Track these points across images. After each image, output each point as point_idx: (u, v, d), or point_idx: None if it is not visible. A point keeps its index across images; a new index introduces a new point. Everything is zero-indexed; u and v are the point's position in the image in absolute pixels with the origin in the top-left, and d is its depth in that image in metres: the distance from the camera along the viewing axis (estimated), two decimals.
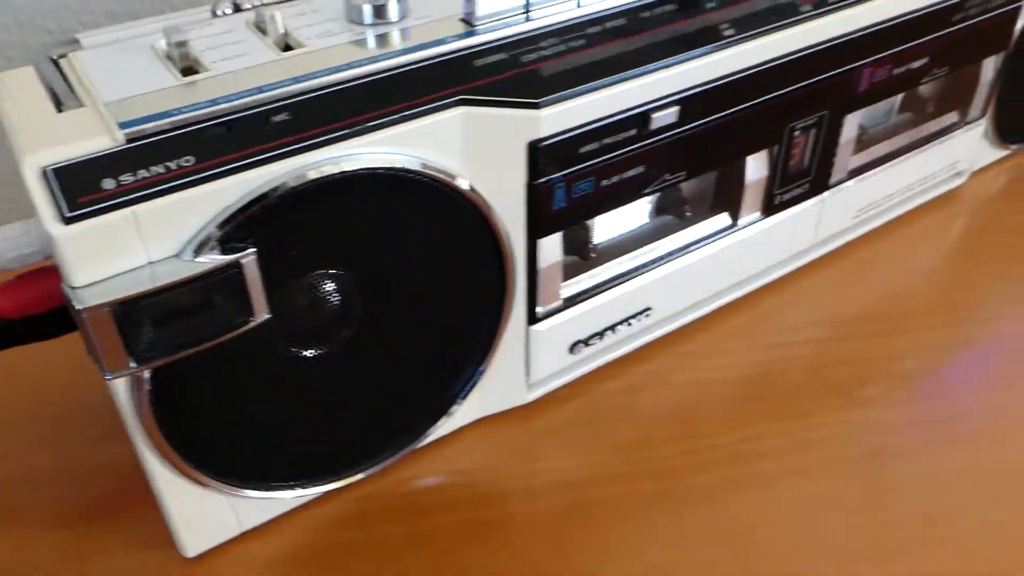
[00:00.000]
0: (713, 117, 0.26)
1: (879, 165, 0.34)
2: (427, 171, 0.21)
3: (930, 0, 0.29)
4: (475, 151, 0.22)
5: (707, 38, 0.25)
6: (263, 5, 0.24)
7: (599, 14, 0.24)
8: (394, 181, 0.21)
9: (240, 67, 0.21)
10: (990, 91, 0.35)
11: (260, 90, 0.20)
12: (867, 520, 0.25)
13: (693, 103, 0.25)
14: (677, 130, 0.25)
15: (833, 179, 0.32)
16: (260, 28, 0.23)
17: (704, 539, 0.25)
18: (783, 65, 0.26)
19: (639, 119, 0.24)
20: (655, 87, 0.24)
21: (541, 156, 0.23)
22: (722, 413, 0.29)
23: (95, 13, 0.56)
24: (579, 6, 0.24)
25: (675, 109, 0.25)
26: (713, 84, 0.25)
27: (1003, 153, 0.40)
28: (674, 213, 0.29)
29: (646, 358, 0.31)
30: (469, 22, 0.23)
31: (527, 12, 0.24)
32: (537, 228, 0.24)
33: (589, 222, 0.28)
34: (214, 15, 0.24)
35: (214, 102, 0.20)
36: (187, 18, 0.24)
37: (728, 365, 0.31)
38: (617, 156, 0.24)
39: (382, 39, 0.23)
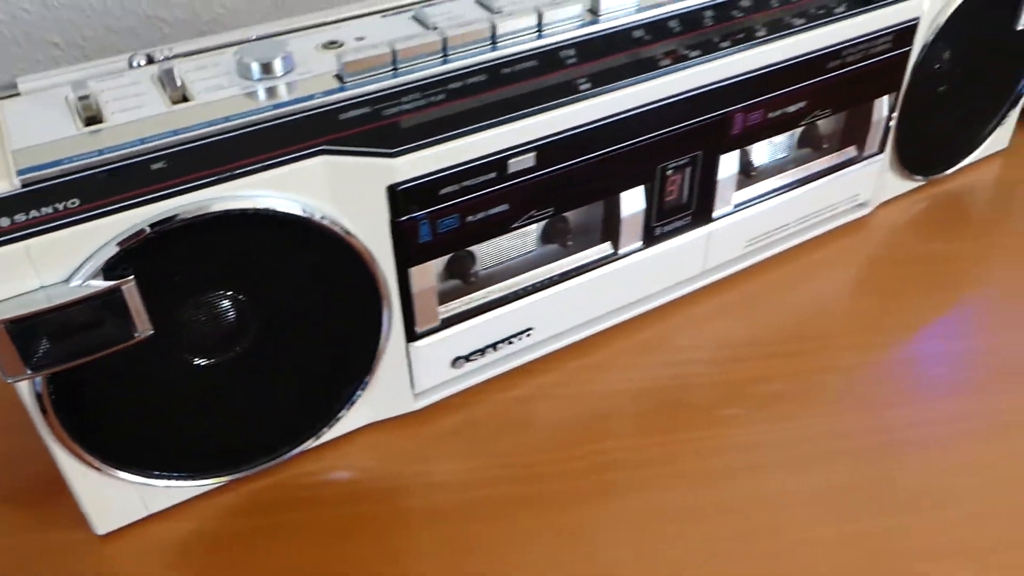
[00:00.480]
0: (573, 161, 0.29)
1: (772, 198, 0.36)
2: (291, 212, 0.25)
3: (794, 53, 0.32)
4: (341, 193, 0.26)
5: (561, 92, 0.28)
6: (174, 57, 0.28)
7: (462, 70, 0.27)
8: (264, 219, 0.25)
9: (134, 118, 0.25)
10: (886, 128, 0.37)
11: (143, 141, 0.24)
12: (703, 532, 0.28)
13: (550, 150, 0.28)
14: (537, 173, 0.28)
15: (717, 212, 0.34)
16: (161, 81, 0.26)
17: (550, 541, 0.28)
18: (643, 113, 0.29)
19: (497, 164, 0.27)
20: (508, 137, 0.27)
21: (400, 198, 0.26)
22: (598, 425, 0.32)
23: (96, 28, 0.61)
24: (444, 63, 0.27)
25: (531, 155, 0.28)
26: (570, 132, 0.28)
27: (913, 184, 0.42)
28: (559, 242, 0.32)
29: (541, 371, 0.34)
30: (341, 77, 0.26)
31: (395, 68, 0.27)
32: (405, 259, 0.28)
33: (473, 249, 0.31)
34: (130, 66, 0.28)
35: (101, 152, 0.23)
36: (109, 66, 0.28)
37: (614, 381, 0.33)
38: (480, 196, 0.28)
39: (265, 93, 0.26)
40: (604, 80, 0.28)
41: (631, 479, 0.30)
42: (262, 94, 0.26)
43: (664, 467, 0.30)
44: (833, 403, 0.32)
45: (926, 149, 0.41)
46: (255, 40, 0.28)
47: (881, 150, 0.38)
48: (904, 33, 0.34)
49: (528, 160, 0.28)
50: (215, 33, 0.30)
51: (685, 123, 0.31)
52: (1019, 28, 0.39)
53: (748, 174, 0.36)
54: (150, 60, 0.28)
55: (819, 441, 0.31)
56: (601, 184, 0.30)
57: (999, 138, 0.44)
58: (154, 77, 0.27)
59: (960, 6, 0.36)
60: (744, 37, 0.30)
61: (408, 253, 0.27)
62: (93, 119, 0.25)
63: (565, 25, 0.29)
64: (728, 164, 0.33)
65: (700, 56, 0.30)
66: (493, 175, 0.27)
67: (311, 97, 0.26)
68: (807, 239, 0.39)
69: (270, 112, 0.25)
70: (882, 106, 0.37)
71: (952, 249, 0.39)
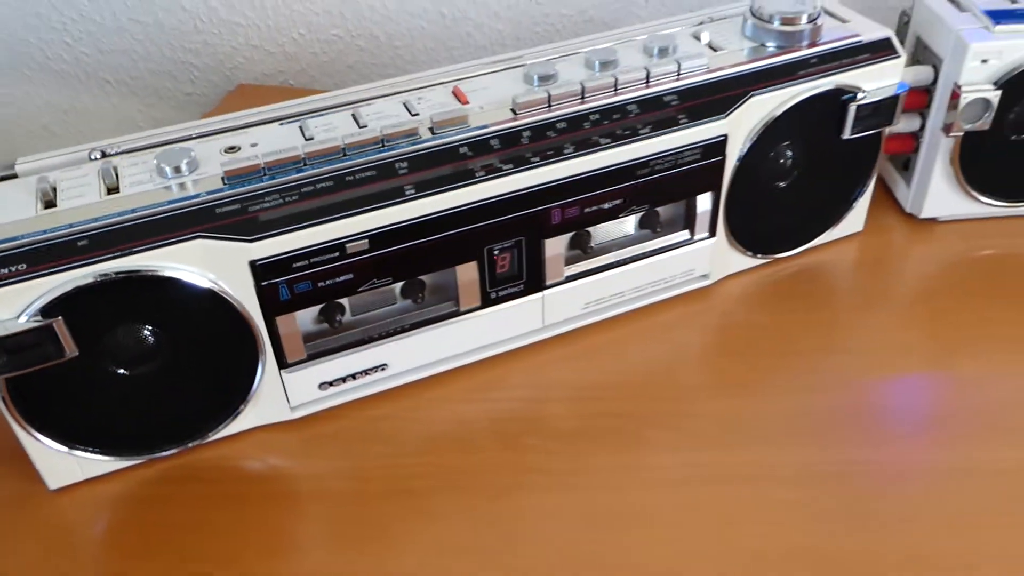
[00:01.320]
0: (403, 245, 0.38)
1: (607, 271, 0.44)
2: (169, 280, 0.35)
3: (598, 165, 0.40)
4: (217, 265, 0.36)
5: (390, 195, 0.37)
6: (120, 153, 0.38)
7: (315, 177, 0.37)
8: (157, 281, 0.35)
9: (76, 205, 0.35)
10: (712, 217, 0.45)
11: (71, 225, 0.34)
12: (551, 529, 0.37)
13: (382, 237, 0.37)
14: (372, 254, 0.38)
15: (549, 281, 0.43)
16: (101, 175, 0.37)
17: (412, 520, 0.37)
18: (464, 210, 0.38)
19: (337, 247, 0.37)
20: (345, 228, 0.36)
21: (259, 270, 0.36)
22: (429, 445, 0.41)
23: (140, 70, 0.73)
24: (302, 171, 0.37)
25: (365, 241, 0.37)
26: (398, 224, 0.37)
27: (758, 261, 0.49)
28: (412, 298, 0.42)
29: (400, 397, 0.43)
30: (224, 180, 0.36)
31: (263, 174, 0.37)
32: (270, 312, 0.38)
33: (341, 301, 0.40)
34: (89, 158, 0.38)
35: (45, 232, 0.34)
36: (73, 156, 0.38)
37: (459, 410, 0.43)
38: (326, 269, 0.37)
39: (175, 187, 0.36)
40: (426, 187, 0.37)
41: (484, 483, 0.39)
42: (174, 188, 0.36)
43: (464, 479, 0.39)
44: (619, 443, 0.40)
45: (765, 234, 0.48)
46: (171, 144, 0.38)
47: (712, 234, 0.46)
48: (713, 146, 0.42)
49: (363, 244, 0.37)
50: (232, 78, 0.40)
51: (504, 216, 0.39)
52: (845, 137, 0.45)
53: (585, 251, 0.44)
54: (103, 154, 0.39)
55: (604, 472, 0.39)
56: (432, 261, 0.39)
57: (853, 222, 0.51)
58: (98, 171, 0.37)
59: (772, 121, 0.43)
60: (553, 153, 0.39)
61: (271, 308, 0.37)
62: (50, 203, 0.36)
63: (403, 142, 0.38)
64: (555, 245, 0.42)
65: (511, 168, 0.38)
66: (336, 254, 0.37)
67: (199, 195, 0.36)
68: (653, 302, 0.47)
69: (170, 205, 0.36)
70: (705, 200, 0.44)
71: (776, 320, 0.46)
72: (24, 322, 0.34)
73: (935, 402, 0.42)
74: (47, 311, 0.34)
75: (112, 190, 0.36)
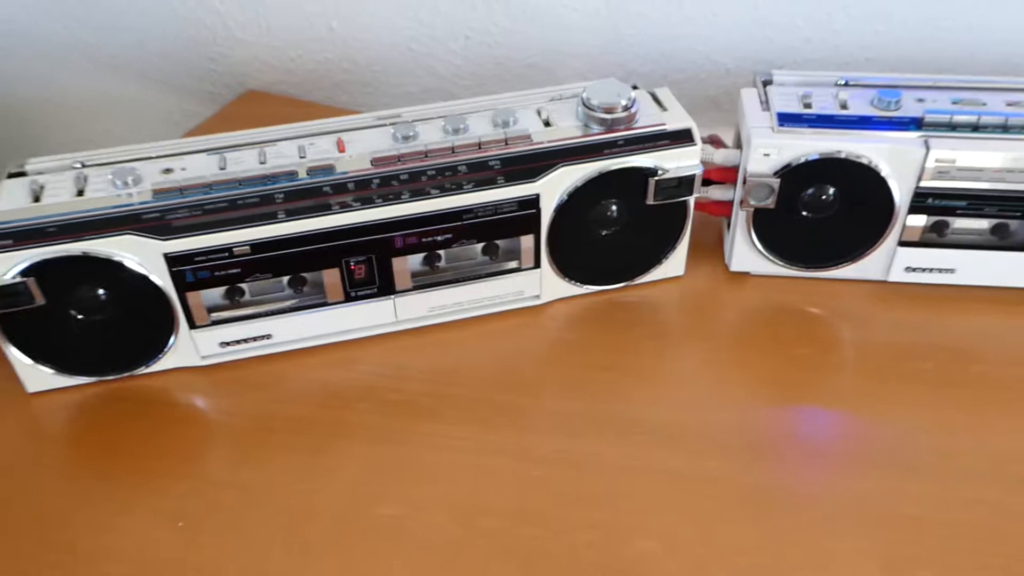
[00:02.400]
0: (276, 253, 0.53)
1: (447, 285, 0.58)
2: (110, 260, 0.51)
3: (428, 210, 0.53)
4: (143, 253, 0.51)
5: (267, 217, 0.52)
6: (93, 165, 0.54)
7: (216, 199, 0.52)
8: (103, 260, 0.51)
9: (52, 202, 0.52)
10: (536, 253, 0.58)
11: (47, 217, 0.50)
12: (310, 477, 0.52)
13: (260, 246, 0.52)
14: (253, 256, 0.53)
15: (399, 288, 0.57)
16: (75, 181, 0.53)
17: (298, 452, 0.53)
18: (326, 231, 0.53)
19: (226, 250, 0.52)
20: (232, 237, 0.51)
21: (170, 260, 0.51)
22: (295, 396, 0.56)
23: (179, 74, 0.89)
24: (208, 193, 0.52)
25: (247, 247, 0.52)
26: (272, 239, 0.52)
27: (584, 290, 0.62)
28: (295, 288, 0.57)
29: (282, 359, 0.58)
30: (153, 193, 0.52)
31: (181, 191, 0.52)
32: (181, 289, 0.53)
33: (241, 285, 0.55)
34: (71, 167, 0.54)
35: (27, 220, 0.50)
36: (63, 163, 0.55)
37: (316, 374, 0.57)
38: (218, 263, 0.52)
39: (121, 196, 0.52)
40: (294, 213, 0.52)
41: (322, 430, 0.54)
42: (122, 196, 0.52)
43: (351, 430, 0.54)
44: (427, 415, 0.54)
45: (591, 269, 0.60)
46: (127, 162, 0.54)
47: (537, 266, 0.59)
48: (528, 201, 0.55)
49: (246, 249, 0.52)
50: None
51: (354, 239, 0.54)
52: (649, 203, 0.58)
53: (432, 267, 0.58)
54: (83, 165, 0.55)
55: (408, 434, 0.53)
56: (300, 265, 0.54)
57: (674, 267, 0.63)
58: (74, 178, 0.53)
59: (580, 187, 0.55)
60: (393, 197, 0.53)
61: (181, 287, 0.53)
62: (37, 198, 0.52)
63: (284, 179, 0.53)
64: (402, 262, 0.56)
65: (359, 206, 0.52)
66: (225, 254, 0.52)
67: (135, 204, 0.51)
68: (491, 312, 0.61)
69: (113, 208, 0.51)
70: (528, 239, 0.57)
71: (583, 337, 0.59)
72: (8, 279, 0.50)
73: (662, 411, 0.54)
74: (25, 273, 0.50)
75: (80, 193, 0.52)
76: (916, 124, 0.56)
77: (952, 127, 0.55)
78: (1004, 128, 0.55)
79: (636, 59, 0.80)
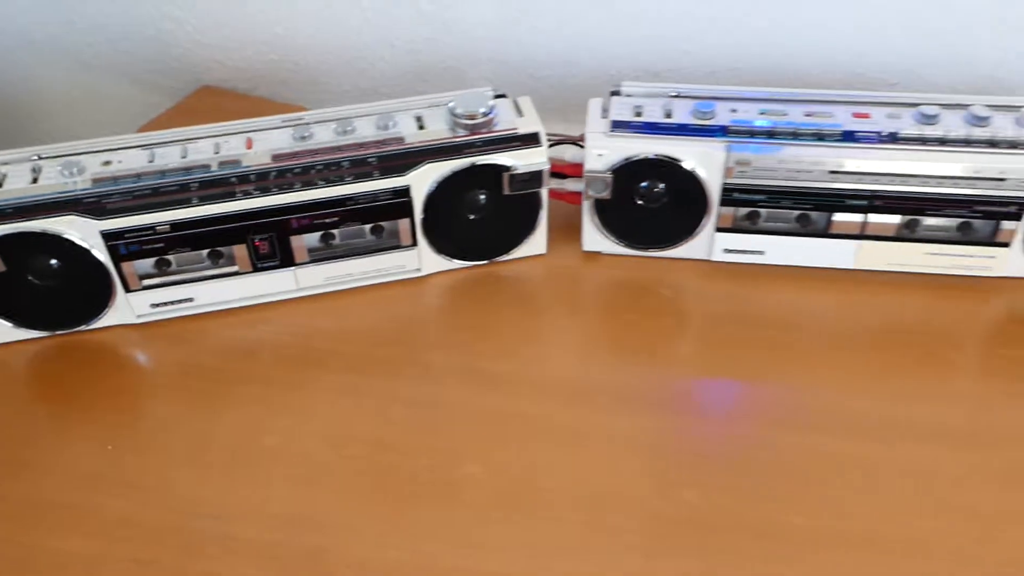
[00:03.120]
0: (192, 231, 0.65)
1: (339, 259, 0.70)
2: (58, 236, 0.63)
3: (314, 198, 0.66)
4: (84, 230, 0.64)
5: (183, 203, 0.64)
6: (48, 158, 0.67)
7: (143, 188, 0.64)
8: (53, 236, 0.63)
9: (12, 188, 0.64)
10: (412, 234, 0.70)
11: (6, 200, 0.63)
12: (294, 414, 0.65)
13: (178, 225, 0.65)
14: (173, 234, 0.65)
15: (298, 261, 0.69)
16: (32, 171, 0.65)
17: (223, 400, 0.66)
18: (232, 213, 0.65)
19: (150, 228, 0.64)
20: (155, 218, 0.64)
21: (106, 236, 0.64)
22: (215, 349, 0.69)
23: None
24: (137, 183, 0.64)
25: (168, 226, 0.64)
26: (188, 219, 0.64)
27: (459, 264, 0.74)
28: (213, 260, 0.69)
29: (205, 319, 0.71)
30: (95, 181, 0.64)
31: (114, 181, 0.64)
32: (116, 260, 0.66)
33: (168, 257, 0.68)
34: (30, 158, 0.67)
35: None
36: (24, 155, 0.67)
37: (231, 332, 0.70)
38: (147, 239, 0.65)
39: (67, 183, 0.64)
40: (206, 199, 0.64)
41: (231, 376, 0.66)
42: (68, 184, 0.64)
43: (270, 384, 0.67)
44: (311, 365, 0.67)
45: (463, 247, 0.73)
46: (75, 155, 0.66)
47: (414, 244, 0.71)
48: (400, 191, 0.67)
49: (166, 228, 0.65)
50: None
51: (256, 221, 0.66)
52: (506, 194, 0.70)
53: (327, 244, 0.70)
54: (39, 157, 0.67)
55: (291, 380, 0.66)
56: (213, 242, 0.67)
57: (536, 246, 0.75)
58: (31, 168, 0.66)
59: (443, 180, 0.67)
60: (287, 187, 0.65)
61: (115, 258, 0.65)
62: (0, 184, 0.65)
63: (199, 171, 0.65)
64: (299, 239, 0.68)
65: (259, 194, 0.65)
66: (151, 232, 0.65)
67: (77, 190, 0.64)
68: (380, 282, 0.73)
69: (60, 193, 0.64)
70: (405, 223, 0.69)
71: (453, 304, 0.72)
72: None
73: (509, 364, 0.66)
74: None
75: (34, 180, 0.65)
76: (723, 131, 0.67)
77: (751, 134, 0.67)
78: (795, 135, 0.66)
79: (536, 65, 0.91)
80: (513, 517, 0.56)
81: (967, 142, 0.65)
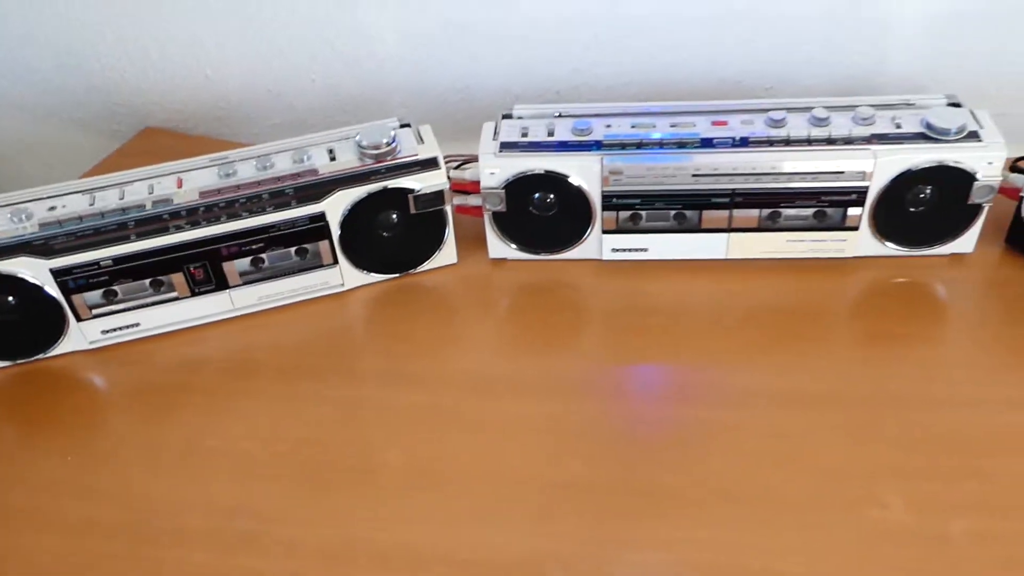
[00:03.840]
0: (133, 264, 0.73)
1: (270, 279, 0.79)
2: (13, 275, 0.71)
3: (243, 228, 0.74)
4: (35, 269, 0.72)
5: (122, 239, 0.72)
6: (5, 205, 0.75)
7: (86, 228, 0.72)
8: (9, 276, 0.71)
9: None
10: (332, 254, 0.79)
11: None
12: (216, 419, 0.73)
13: (120, 259, 0.73)
14: (116, 267, 0.73)
15: (231, 284, 0.78)
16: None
17: (159, 413, 0.74)
18: (164, 247, 0.73)
19: (95, 263, 0.73)
20: (98, 255, 0.72)
21: (55, 273, 0.72)
22: (165, 366, 0.77)
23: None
24: (80, 224, 0.73)
25: (110, 260, 0.73)
26: (128, 253, 0.73)
27: (378, 278, 0.83)
28: (155, 288, 0.77)
29: (152, 341, 0.79)
30: (39, 225, 0.73)
31: (59, 225, 0.72)
32: (66, 293, 0.74)
33: (114, 287, 0.76)
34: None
35: None
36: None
37: (175, 350, 0.78)
38: (90, 274, 0.73)
39: (18, 229, 0.72)
40: (142, 235, 0.73)
41: (173, 385, 0.75)
42: (18, 229, 0.72)
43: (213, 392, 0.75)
44: (243, 376, 0.75)
45: (380, 262, 0.81)
46: (23, 203, 0.74)
47: (336, 262, 0.80)
48: (317, 216, 0.76)
49: (109, 262, 0.73)
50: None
51: (189, 251, 0.74)
52: (412, 213, 0.78)
53: (257, 267, 0.78)
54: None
55: (222, 386, 0.74)
56: (153, 272, 0.75)
57: (447, 256, 0.83)
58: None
59: (356, 203, 0.76)
60: (215, 220, 0.74)
61: (65, 291, 0.74)
62: None
63: (134, 210, 0.73)
64: (231, 265, 0.76)
65: (190, 227, 0.73)
66: (95, 267, 0.73)
67: (26, 235, 0.72)
68: (308, 298, 0.81)
69: (11, 238, 0.72)
70: (325, 244, 0.78)
71: (377, 312, 0.80)
72: None
73: (422, 363, 0.75)
74: None
75: None
76: (598, 146, 0.76)
77: (623, 146, 0.76)
78: (660, 145, 0.76)
79: (445, 92, 1.00)
80: (425, 494, 0.65)
81: (809, 141, 0.75)
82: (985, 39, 0.89)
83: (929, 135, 0.74)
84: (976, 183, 0.74)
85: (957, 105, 0.78)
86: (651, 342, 0.76)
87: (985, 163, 0.73)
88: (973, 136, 0.74)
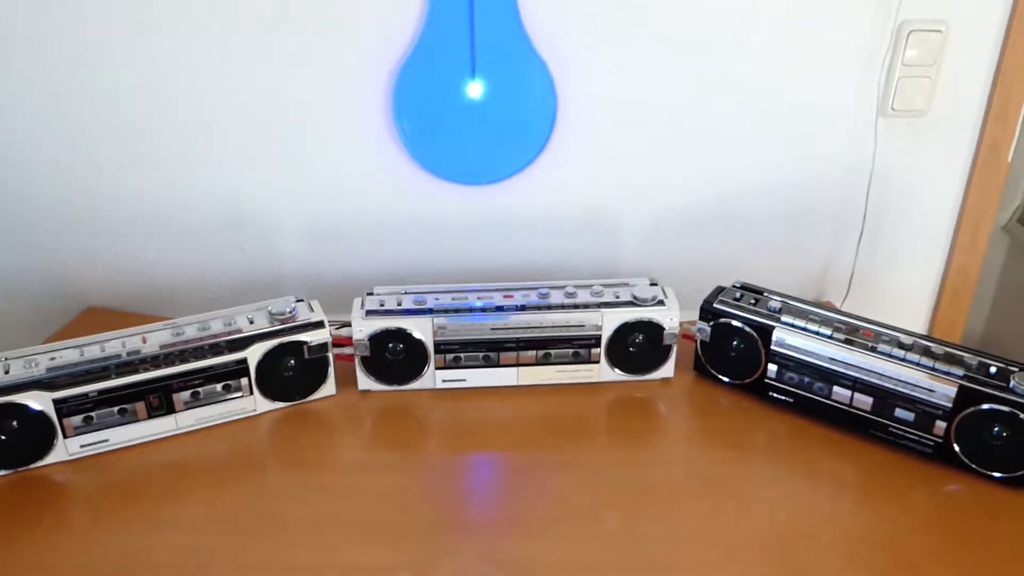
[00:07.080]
0: (110, 396, 1.07)
1: (204, 405, 1.13)
2: (24, 405, 1.03)
3: (187, 369, 1.09)
4: (39, 400, 1.04)
5: (103, 378, 1.06)
6: (18, 357, 1.07)
7: (76, 375, 1.06)
8: (15, 404, 1.03)
9: None
10: (250, 388, 1.15)
11: None
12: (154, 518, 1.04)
13: (102, 394, 1.06)
14: (99, 398, 1.06)
15: (177, 410, 1.12)
16: (3, 365, 1.05)
17: (136, 520, 1.05)
18: (130, 383, 1.07)
19: (83, 396, 1.05)
20: (84, 390, 1.05)
21: (55, 402, 1.04)
22: (138, 474, 1.08)
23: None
24: (75, 370, 1.06)
25: (96, 393, 1.06)
26: (108, 391, 1.06)
27: (284, 405, 1.18)
28: (121, 413, 1.10)
29: (136, 450, 1.11)
30: (46, 370, 1.05)
31: (60, 368, 1.06)
32: (60, 416, 1.06)
33: (92, 414, 1.08)
34: (5, 359, 1.07)
35: None
36: None
37: (150, 456, 1.10)
38: (81, 405, 1.06)
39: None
40: (120, 374, 1.07)
41: (164, 486, 1.06)
42: (29, 372, 1.05)
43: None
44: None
45: (285, 393, 1.18)
46: (31, 355, 1.07)
47: (252, 393, 1.15)
48: (239, 361, 1.12)
49: (95, 395, 1.06)
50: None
51: (148, 387, 1.08)
52: (306, 358, 1.16)
53: (196, 398, 1.13)
54: (6, 359, 1.07)
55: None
56: (124, 401, 1.08)
57: (329, 387, 1.21)
58: (3, 367, 1.06)
59: (266, 354, 1.13)
60: (167, 364, 1.09)
61: (61, 415, 1.06)
62: None
63: (114, 360, 1.07)
64: (178, 396, 1.11)
65: (152, 368, 1.08)
66: (84, 400, 1.06)
67: (35, 375, 1.05)
68: (228, 421, 1.16)
69: (25, 379, 1.04)
70: (244, 380, 1.14)
71: (279, 430, 1.16)
72: None
73: (311, 463, 1.10)
74: None
75: (6, 372, 1.05)
76: (430, 311, 1.18)
77: (447, 312, 1.18)
78: (471, 311, 1.18)
79: (329, 278, 1.41)
80: (317, 542, 0.99)
81: (562, 306, 1.19)
82: (678, 241, 1.39)
83: (635, 302, 1.20)
84: (665, 331, 1.20)
85: (655, 284, 1.25)
86: (472, 443, 1.15)
87: (669, 319, 1.19)
88: (661, 303, 1.20)
